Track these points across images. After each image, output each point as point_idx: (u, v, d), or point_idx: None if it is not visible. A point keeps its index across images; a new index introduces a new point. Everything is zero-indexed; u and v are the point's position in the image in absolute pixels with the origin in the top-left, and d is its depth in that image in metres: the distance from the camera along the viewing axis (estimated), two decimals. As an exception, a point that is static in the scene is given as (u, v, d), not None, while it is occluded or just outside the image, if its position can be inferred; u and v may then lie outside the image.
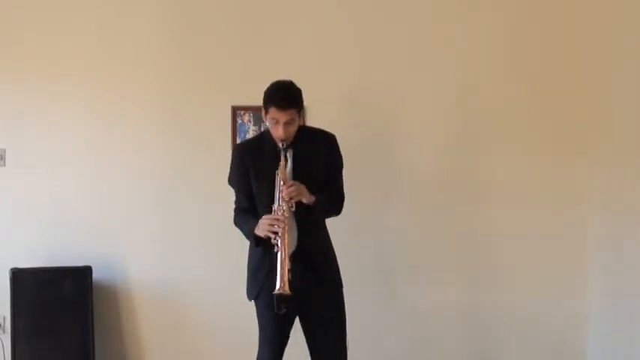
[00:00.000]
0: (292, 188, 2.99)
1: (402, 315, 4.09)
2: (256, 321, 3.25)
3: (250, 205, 3.17)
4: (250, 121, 4.04)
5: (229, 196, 3.99)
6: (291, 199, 2.98)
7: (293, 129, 3.06)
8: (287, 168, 3.06)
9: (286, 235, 2.96)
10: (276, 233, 2.95)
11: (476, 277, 4.09)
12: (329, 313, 3.16)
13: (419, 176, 4.05)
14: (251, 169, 3.14)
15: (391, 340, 4.08)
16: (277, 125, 3.02)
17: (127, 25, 4.04)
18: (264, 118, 3.14)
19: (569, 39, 4.00)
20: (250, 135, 4.01)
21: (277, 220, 2.97)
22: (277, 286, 2.92)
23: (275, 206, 3.01)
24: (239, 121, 4.04)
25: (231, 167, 3.26)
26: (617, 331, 3.86)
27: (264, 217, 3.03)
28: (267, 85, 3.37)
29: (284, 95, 3.03)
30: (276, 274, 2.94)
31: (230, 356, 4.08)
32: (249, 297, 3.23)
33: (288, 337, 3.21)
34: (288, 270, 2.93)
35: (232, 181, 3.26)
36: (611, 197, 3.92)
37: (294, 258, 3.01)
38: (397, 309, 4.09)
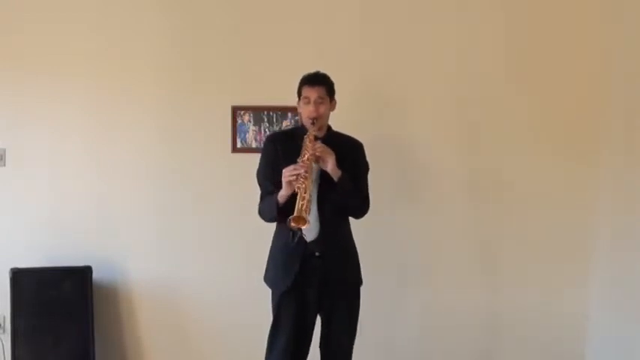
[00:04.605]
0: (320, 145, 3.04)
1: (411, 314, 4.10)
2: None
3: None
4: (250, 121, 4.04)
5: (229, 196, 4.03)
6: (315, 155, 3.00)
7: (323, 109, 3.13)
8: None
9: (308, 177, 2.95)
10: (297, 176, 2.94)
11: (476, 277, 4.10)
12: (345, 310, 3.19)
13: (427, 176, 4.06)
14: (282, 158, 3.12)
15: (398, 338, 4.10)
16: (308, 104, 3.12)
17: (127, 25, 4.03)
18: (298, 110, 3.25)
19: (573, 42, 4.01)
20: (250, 135, 4.02)
21: (299, 165, 2.98)
22: (295, 214, 2.90)
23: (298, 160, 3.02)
24: (239, 121, 4.04)
25: (261, 157, 3.26)
26: (617, 331, 3.86)
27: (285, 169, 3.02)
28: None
29: (314, 74, 3.18)
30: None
31: (230, 356, 4.09)
32: (279, 288, 3.16)
33: (309, 335, 3.20)
34: (308, 201, 2.92)
35: (261, 172, 3.24)
36: (613, 198, 3.92)
37: (315, 247, 3.07)
38: (406, 308, 4.10)
